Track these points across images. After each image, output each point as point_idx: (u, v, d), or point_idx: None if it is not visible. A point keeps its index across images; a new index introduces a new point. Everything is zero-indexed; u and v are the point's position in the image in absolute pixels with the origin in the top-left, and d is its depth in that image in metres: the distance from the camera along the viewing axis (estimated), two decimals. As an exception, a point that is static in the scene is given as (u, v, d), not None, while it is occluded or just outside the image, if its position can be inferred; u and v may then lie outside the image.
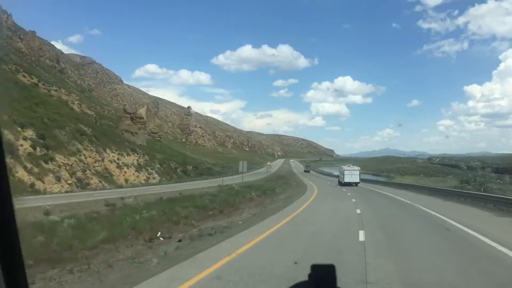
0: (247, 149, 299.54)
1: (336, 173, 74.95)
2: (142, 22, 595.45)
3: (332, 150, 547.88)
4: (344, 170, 56.55)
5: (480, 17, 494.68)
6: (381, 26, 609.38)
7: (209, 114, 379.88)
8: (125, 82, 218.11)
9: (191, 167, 74.61)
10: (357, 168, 56.97)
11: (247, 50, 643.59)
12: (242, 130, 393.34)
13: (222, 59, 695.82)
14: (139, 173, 63.54)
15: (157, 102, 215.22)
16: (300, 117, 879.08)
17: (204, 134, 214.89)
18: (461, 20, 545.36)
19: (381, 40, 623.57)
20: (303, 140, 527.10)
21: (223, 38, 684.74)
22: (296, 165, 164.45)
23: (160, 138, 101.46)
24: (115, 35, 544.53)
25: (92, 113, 77.52)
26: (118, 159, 61.42)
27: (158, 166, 70.79)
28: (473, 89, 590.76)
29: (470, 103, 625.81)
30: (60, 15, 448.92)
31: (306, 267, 2.55)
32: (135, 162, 65.80)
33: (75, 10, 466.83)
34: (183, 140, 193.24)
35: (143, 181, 59.65)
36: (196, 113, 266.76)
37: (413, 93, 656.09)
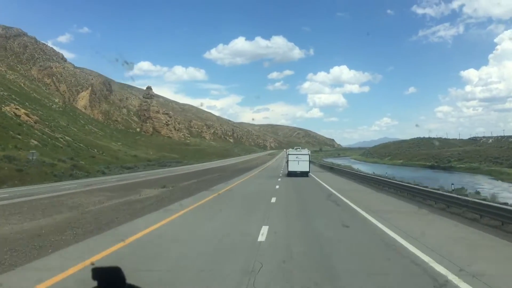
0: (231, 140, 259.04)
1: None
2: (132, 18, 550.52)
3: (332, 140, 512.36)
4: (288, 154, 41.43)
5: (475, 0, 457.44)
6: (376, 12, 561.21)
7: (207, 109, 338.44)
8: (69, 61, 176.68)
9: None
10: (306, 152, 41.86)
11: (240, 43, 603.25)
12: (229, 120, 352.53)
13: (215, 53, 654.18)
14: None
15: (109, 84, 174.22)
16: (297, 110, 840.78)
17: (170, 122, 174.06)
18: (456, 4, 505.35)
19: (376, 27, 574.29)
20: (300, 129, 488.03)
21: (214, 31, 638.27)
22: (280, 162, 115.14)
23: None
24: (105, 33, 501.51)
25: None
26: None
27: None
28: (470, 73, 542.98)
29: (468, 88, 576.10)
30: (48, 15, 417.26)
31: None
32: None
33: (62, 10, 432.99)
34: (137, 129, 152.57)
35: None
36: (162, 97, 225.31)
37: (410, 80, 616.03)
